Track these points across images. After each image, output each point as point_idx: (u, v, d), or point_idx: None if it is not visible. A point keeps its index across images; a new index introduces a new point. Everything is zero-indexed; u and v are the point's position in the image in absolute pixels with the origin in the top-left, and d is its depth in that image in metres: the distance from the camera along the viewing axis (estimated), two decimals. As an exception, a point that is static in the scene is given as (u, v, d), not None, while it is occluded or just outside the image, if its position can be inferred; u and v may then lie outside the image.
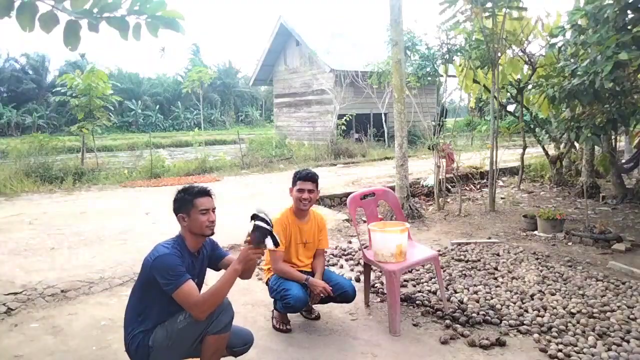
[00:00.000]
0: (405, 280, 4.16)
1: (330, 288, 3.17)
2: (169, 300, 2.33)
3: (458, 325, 3.29)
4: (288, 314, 3.35)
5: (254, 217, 2.33)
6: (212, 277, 2.68)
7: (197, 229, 2.48)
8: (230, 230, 6.05)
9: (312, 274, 3.37)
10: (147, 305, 2.39)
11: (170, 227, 6.16)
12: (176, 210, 2.51)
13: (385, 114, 18.33)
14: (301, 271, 3.34)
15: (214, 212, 2.53)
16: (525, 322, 3.30)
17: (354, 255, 4.99)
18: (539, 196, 8.24)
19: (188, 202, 2.48)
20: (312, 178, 3.34)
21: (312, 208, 3.45)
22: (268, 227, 2.28)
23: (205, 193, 2.53)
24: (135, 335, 2.36)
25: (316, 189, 3.38)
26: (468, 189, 9.21)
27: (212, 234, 2.55)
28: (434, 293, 3.88)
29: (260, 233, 2.28)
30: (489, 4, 6.61)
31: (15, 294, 3.90)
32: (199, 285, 2.54)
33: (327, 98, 18.41)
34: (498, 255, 4.88)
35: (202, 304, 2.29)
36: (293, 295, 3.09)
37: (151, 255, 2.37)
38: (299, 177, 3.33)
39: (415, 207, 6.89)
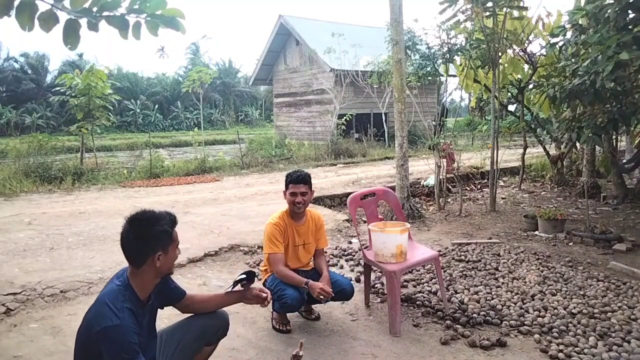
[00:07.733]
0: (405, 281, 4.15)
1: (331, 289, 3.08)
2: None
3: (459, 326, 3.28)
4: (287, 314, 3.33)
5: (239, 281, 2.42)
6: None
7: (168, 268, 2.02)
8: (230, 232, 6.05)
9: (313, 273, 3.38)
10: None
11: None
12: (152, 248, 1.92)
13: (385, 114, 18.32)
14: (303, 270, 3.34)
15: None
16: (526, 322, 3.29)
17: (354, 256, 4.98)
18: (540, 196, 8.22)
19: (168, 235, 1.96)
20: (304, 180, 3.25)
21: (308, 208, 3.40)
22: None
23: (175, 223, 2.04)
24: None
25: (309, 190, 3.29)
26: (469, 189, 9.20)
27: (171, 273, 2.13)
28: (435, 293, 3.86)
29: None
30: (490, 4, 6.59)
31: (15, 294, 3.89)
32: (153, 339, 2.12)
33: (327, 98, 18.40)
34: (499, 255, 4.87)
35: None
36: (290, 294, 3.08)
37: (95, 321, 1.80)
38: (290, 180, 3.24)
39: (416, 207, 6.88)
